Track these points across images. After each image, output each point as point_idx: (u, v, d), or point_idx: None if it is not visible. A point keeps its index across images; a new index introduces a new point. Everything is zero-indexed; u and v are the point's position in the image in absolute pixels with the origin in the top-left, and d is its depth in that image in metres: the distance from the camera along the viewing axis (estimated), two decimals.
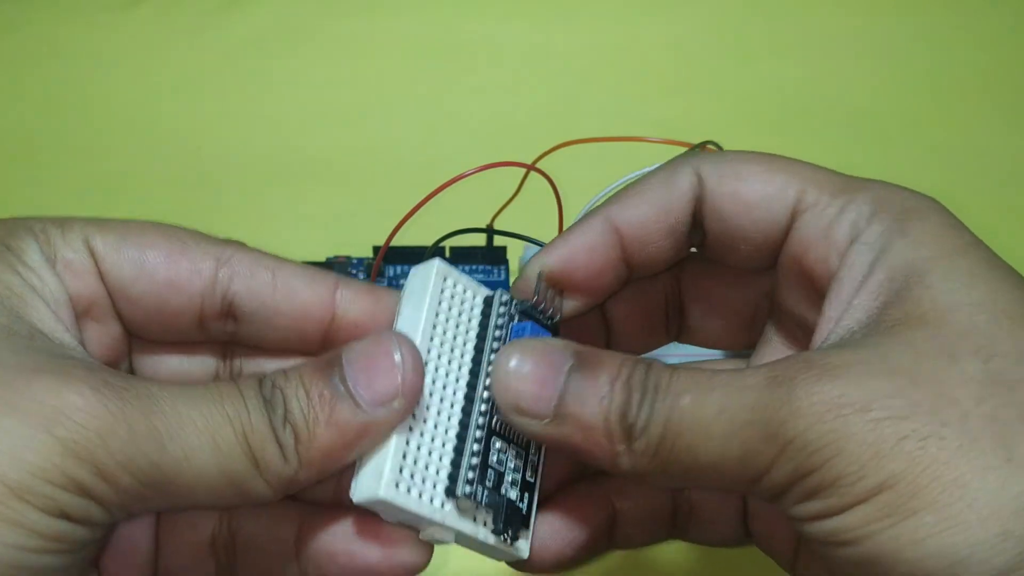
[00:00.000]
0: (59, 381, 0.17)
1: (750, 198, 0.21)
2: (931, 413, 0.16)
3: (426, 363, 0.20)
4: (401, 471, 0.19)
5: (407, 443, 0.19)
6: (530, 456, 0.22)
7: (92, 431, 0.17)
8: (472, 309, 0.22)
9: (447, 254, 0.40)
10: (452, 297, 0.22)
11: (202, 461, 0.17)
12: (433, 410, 0.20)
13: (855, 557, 0.17)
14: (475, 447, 0.20)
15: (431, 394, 0.20)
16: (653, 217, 0.21)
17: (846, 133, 0.46)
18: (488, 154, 0.31)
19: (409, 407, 0.19)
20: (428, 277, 0.21)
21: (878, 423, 0.16)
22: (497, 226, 0.35)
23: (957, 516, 0.16)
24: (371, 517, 0.20)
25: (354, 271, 0.40)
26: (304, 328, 0.21)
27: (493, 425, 0.21)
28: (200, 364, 0.22)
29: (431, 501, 0.19)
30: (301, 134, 0.46)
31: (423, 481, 0.19)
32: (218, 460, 0.18)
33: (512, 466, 0.21)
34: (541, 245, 0.30)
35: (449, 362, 0.21)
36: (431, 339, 0.21)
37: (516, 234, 0.31)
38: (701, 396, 0.18)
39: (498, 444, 0.21)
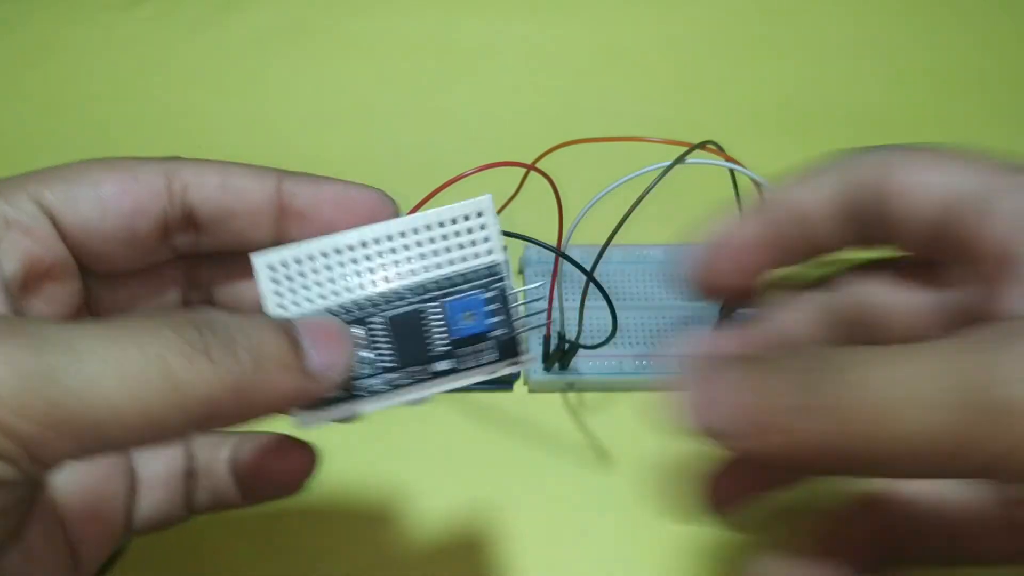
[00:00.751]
0: None
1: (924, 180, 0.19)
2: None
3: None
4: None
5: None
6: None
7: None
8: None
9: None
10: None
11: (108, 391, 0.16)
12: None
13: None
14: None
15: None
16: (824, 192, 0.21)
17: (846, 133, 0.46)
18: (488, 154, 0.31)
19: (339, 382, 0.20)
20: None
21: None
22: None
23: None
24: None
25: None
26: (258, 223, 0.21)
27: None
28: (163, 288, 0.22)
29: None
30: (301, 134, 0.46)
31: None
32: (128, 387, 0.16)
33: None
34: (541, 245, 0.30)
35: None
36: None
37: (516, 234, 0.31)
38: (884, 366, 0.16)
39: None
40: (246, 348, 0.17)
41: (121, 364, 0.16)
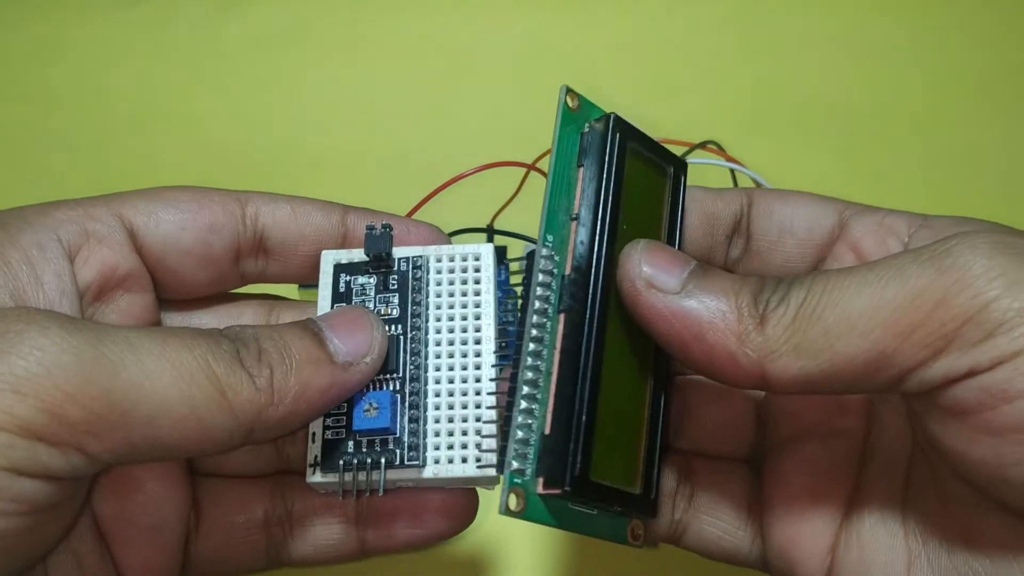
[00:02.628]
0: (19, 320, 0.16)
1: (798, 205, 0.23)
2: None
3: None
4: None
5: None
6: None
7: (33, 362, 0.15)
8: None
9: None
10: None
11: (162, 386, 0.16)
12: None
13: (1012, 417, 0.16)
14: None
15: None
16: (698, 220, 0.23)
17: (845, 133, 0.46)
18: (488, 154, 0.31)
19: (377, 365, 0.20)
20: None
21: None
22: (497, 226, 0.35)
23: None
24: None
25: None
26: (314, 262, 0.22)
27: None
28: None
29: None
30: (301, 134, 0.46)
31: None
32: (179, 385, 0.16)
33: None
34: None
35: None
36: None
37: (516, 234, 0.31)
38: (840, 275, 0.18)
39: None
40: (274, 351, 0.18)
41: (174, 363, 0.16)
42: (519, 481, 0.20)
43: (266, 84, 0.48)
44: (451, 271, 0.23)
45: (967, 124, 0.47)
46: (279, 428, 0.18)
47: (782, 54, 0.50)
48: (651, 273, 0.19)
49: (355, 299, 0.22)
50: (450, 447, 0.21)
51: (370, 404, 0.21)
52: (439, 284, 0.22)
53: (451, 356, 0.22)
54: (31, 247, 0.19)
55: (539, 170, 0.31)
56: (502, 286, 0.38)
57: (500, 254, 0.40)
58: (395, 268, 0.22)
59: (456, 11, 0.51)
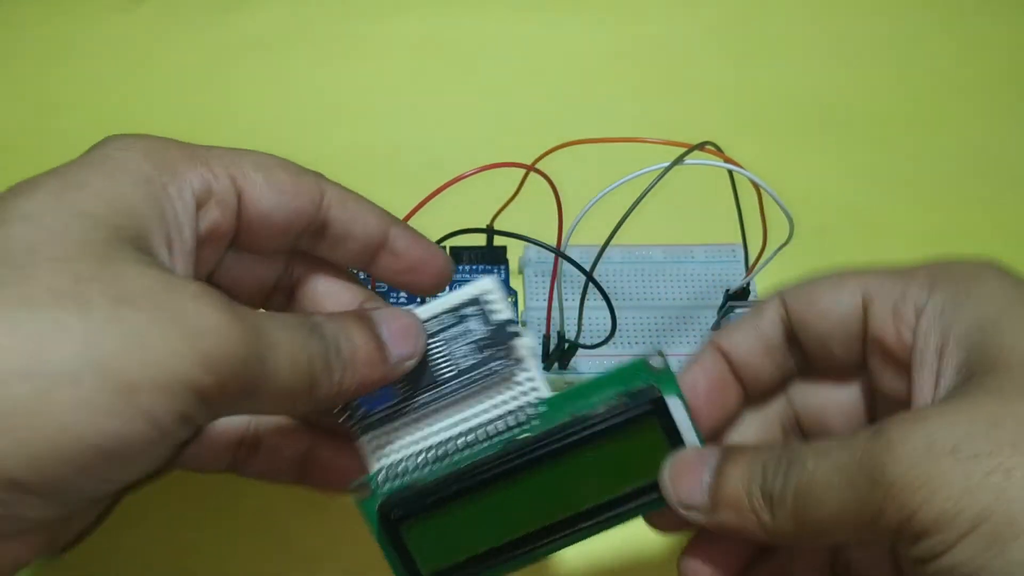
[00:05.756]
0: (199, 303, 0.20)
1: (824, 304, 0.24)
2: (1013, 446, 0.18)
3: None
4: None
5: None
6: None
7: (224, 348, 0.19)
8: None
9: (447, 254, 0.40)
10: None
11: (282, 377, 0.21)
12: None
13: None
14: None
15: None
16: (752, 338, 0.25)
17: (843, 133, 0.47)
18: (488, 154, 0.31)
19: (413, 367, 0.24)
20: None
21: (965, 461, 0.18)
22: (497, 226, 0.35)
23: None
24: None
25: (355, 271, 0.40)
26: (365, 250, 0.26)
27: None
28: (270, 268, 0.26)
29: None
30: (302, 134, 0.46)
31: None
32: (291, 377, 0.21)
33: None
34: (541, 245, 0.30)
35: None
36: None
37: (516, 234, 0.31)
38: (821, 458, 0.21)
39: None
40: (347, 352, 0.22)
41: (292, 352, 0.21)
42: (374, 485, 0.25)
43: (267, 84, 0.48)
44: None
45: (965, 125, 0.47)
46: (326, 406, 0.23)
47: (780, 55, 0.50)
48: (684, 500, 0.23)
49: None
50: None
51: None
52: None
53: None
54: (182, 191, 0.22)
55: (539, 171, 0.31)
56: (502, 286, 0.39)
57: (500, 254, 0.40)
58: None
59: (457, 12, 0.51)
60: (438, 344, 0.26)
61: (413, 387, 0.26)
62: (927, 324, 0.22)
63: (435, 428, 0.26)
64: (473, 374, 0.26)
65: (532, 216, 0.34)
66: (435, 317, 0.26)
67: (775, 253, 0.33)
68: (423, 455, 0.25)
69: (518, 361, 0.26)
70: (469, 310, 0.26)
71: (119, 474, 0.19)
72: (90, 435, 0.18)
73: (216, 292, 0.20)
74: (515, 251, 0.41)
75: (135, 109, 0.47)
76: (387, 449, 0.26)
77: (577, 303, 0.32)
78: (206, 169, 0.23)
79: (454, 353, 0.26)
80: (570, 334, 0.35)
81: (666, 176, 0.28)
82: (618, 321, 0.32)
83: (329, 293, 0.27)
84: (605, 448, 0.24)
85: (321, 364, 0.22)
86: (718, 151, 0.30)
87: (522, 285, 0.40)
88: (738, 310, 0.36)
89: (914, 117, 0.47)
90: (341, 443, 0.27)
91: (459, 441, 0.25)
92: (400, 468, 0.25)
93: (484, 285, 0.26)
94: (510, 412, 0.25)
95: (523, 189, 0.33)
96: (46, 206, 0.20)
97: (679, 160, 0.29)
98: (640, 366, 0.25)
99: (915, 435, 0.19)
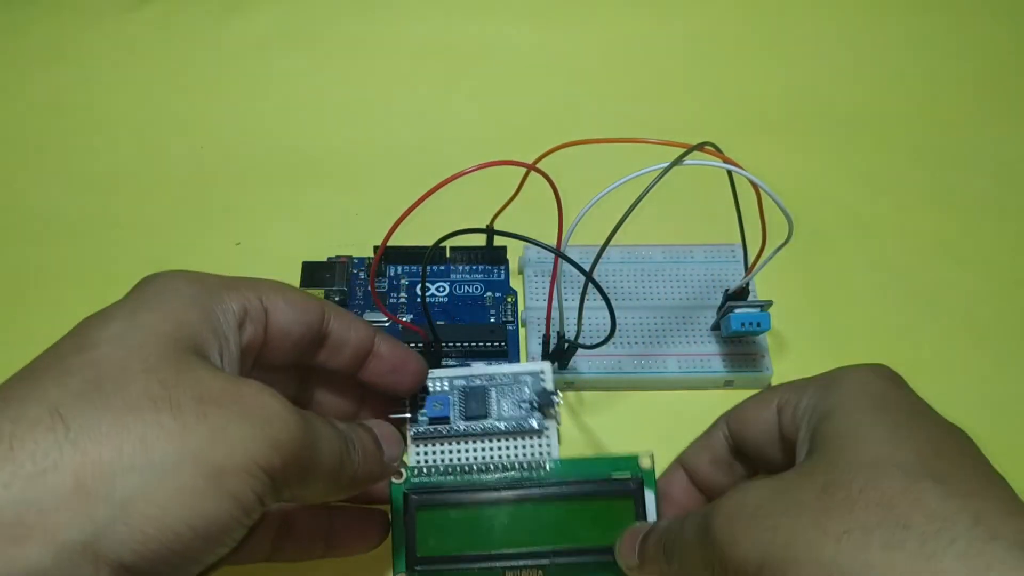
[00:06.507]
0: (264, 396, 0.23)
1: (752, 420, 0.29)
2: (786, 509, 0.23)
3: None
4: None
5: None
6: None
7: (288, 433, 0.23)
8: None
9: (447, 254, 0.41)
10: None
11: (325, 461, 0.25)
12: None
13: None
14: None
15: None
16: (705, 459, 0.31)
17: (842, 134, 0.47)
18: (488, 155, 0.31)
19: (397, 468, 0.31)
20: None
21: (757, 520, 0.24)
22: (497, 226, 0.35)
23: (812, 535, 0.23)
24: None
25: (355, 271, 0.40)
26: (357, 354, 0.30)
27: None
28: (287, 383, 0.31)
29: None
30: (303, 135, 0.46)
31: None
32: (330, 462, 0.26)
33: None
34: (541, 245, 0.30)
35: None
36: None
37: (516, 234, 0.31)
38: (689, 521, 0.26)
39: None
40: (359, 449, 0.27)
41: (331, 446, 0.26)
42: (408, 474, 0.32)
43: (267, 85, 0.48)
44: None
45: (964, 125, 0.47)
46: (344, 496, 0.28)
47: (779, 56, 0.50)
48: (624, 557, 0.30)
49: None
50: None
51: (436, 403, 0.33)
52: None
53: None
54: (226, 312, 0.26)
55: (539, 171, 0.31)
56: (502, 286, 0.39)
57: (500, 254, 0.40)
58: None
59: (458, 14, 0.51)
60: (495, 389, 0.34)
61: (464, 412, 0.33)
62: (800, 420, 0.27)
63: (466, 447, 0.33)
64: (511, 421, 0.33)
65: (532, 216, 0.34)
66: (503, 374, 0.34)
67: (774, 253, 0.33)
68: (451, 465, 0.32)
69: (546, 427, 0.33)
70: (526, 377, 0.34)
71: (205, 554, 0.22)
72: (188, 516, 0.21)
73: (271, 388, 0.24)
74: (515, 251, 0.41)
75: (136, 109, 0.47)
76: (426, 449, 0.33)
77: (577, 303, 0.32)
78: (239, 293, 0.27)
79: (503, 401, 0.34)
80: (570, 334, 0.35)
81: (666, 176, 0.28)
82: (618, 321, 0.32)
83: (334, 403, 0.33)
84: (588, 506, 0.31)
85: (347, 454, 0.26)
86: (717, 151, 0.30)
87: (522, 285, 0.40)
88: (737, 310, 0.36)
89: (914, 117, 0.47)
90: (354, 511, 0.32)
91: (482, 464, 0.32)
92: (431, 468, 0.32)
93: (543, 365, 0.34)
94: (527, 458, 0.32)
95: (523, 189, 0.33)
96: (124, 330, 0.23)
97: (679, 160, 0.29)
98: (633, 460, 0.32)
99: (732, 501, 0.25)
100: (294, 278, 0.39)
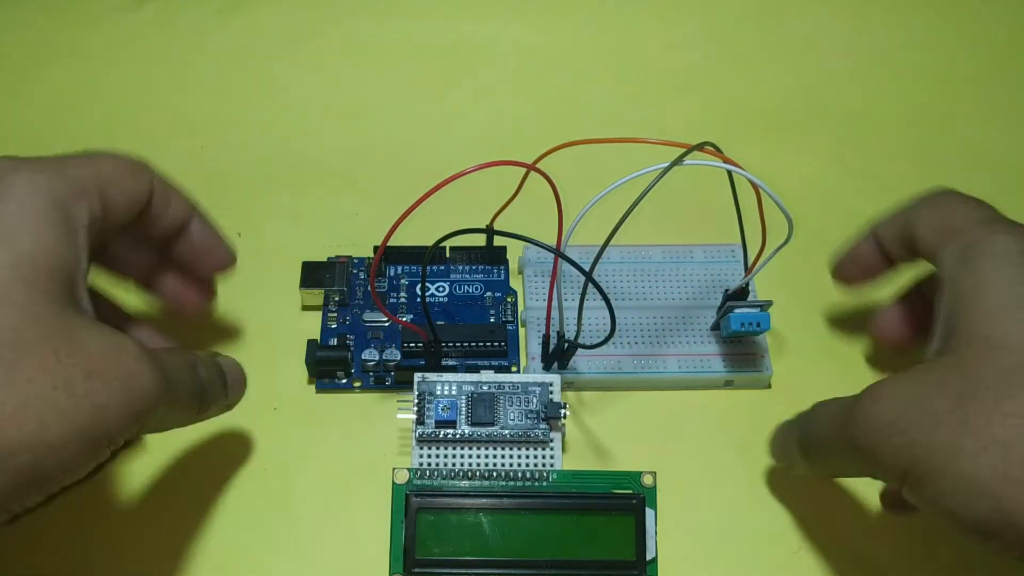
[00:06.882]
0: (141, 364, 0.24)
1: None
2: (920, 425, 0.24)
3: None
4: None
5: None
6: None
7: (153, 400, 0.25)
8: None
9: (447, 254, 0.41)
10: None
11: (177, 416, 0.28)
12: None
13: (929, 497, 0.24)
14: None
15: None
16: (891, 231, 0.33)
17: (842, 134, 0.47)
18: (489, 155, 0.31)
19: (233, 406, 0.32)
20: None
21: (898, 434, 0.24)
22: (497, 226, 0.35)
23: (950, 451, 0.23)
24: None
25: (355, 271, 0.40)
26: (168, 231, 0.31)
27: None
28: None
29: None
30: (303, 135, 0.46)
31: None
32: (181, 415, 0.28)
33: None
34: (541, 245, 0.30)
35: None
36: None
37: (516, 234, 0.31)
38: (823, 422, 0.28)
39: None
40: (211, 399, 0.29)
41: (186, 402, 0.28)
42: (412, 476, 0.32)
43: (267, 85, 0.48)
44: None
45: (965, 125, 0.47)
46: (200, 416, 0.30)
47: (778, 57, 0.50)
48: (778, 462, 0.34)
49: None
50: None
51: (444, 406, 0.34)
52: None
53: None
54: (81, 226, 0.26)
55: (539, 171, 0.31)
56: (502, 286, 0.39)
57: (500, 254, 0.40)
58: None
59: (458, 14, 0.51)
60: (503, 397, 0.34)
61: (471, 417, 0.34)
62: (939, 292, 0.27)
63: (471, 452, 0.34)
64: (517, 429, 0.34)
65: (532, 216, 0.34)
66: (512, 383, 0.34)
67: (774, 253, 0.33)
68: (454, 469, 0.32)
69: (551, 439, 0.34)
70: (535, 387, 0.34)
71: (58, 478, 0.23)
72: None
73: (132, 342, 0.25)
74: (515, 251, 0.41)
75: (136, 110, 0.47)
76: (431, 452, 0.34)
77: (577, 303, 0.32)
78: (86, 196, 0.26)
79: (510, 409, 0.34)
80: (570, 334, 0.35)
81: (666, 176, 0.28)
82: (617, 321, 0.32)
83: (135, 259, 0.33)
84: (588, 520, 0.32)
85: (199, 401, 0.29)
86: (717, 151, 0.30)
87: (522, 285, 0.40)
88: (737, 310, 0.36)
89: (914, 117, 0.47)
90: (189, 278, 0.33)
91: (485, 470, 0.32)
92: (435, 472, 0.32)
93: (553, 377, 0.34)
94: (530, 468, 0.33)
95: (523, 189, 0.33)
96: None
97: (679, 160, 0.29)
98: (635, 477, 0.32)
99: (871, 413, 0.25)
100: (294, 278, 0.39)
